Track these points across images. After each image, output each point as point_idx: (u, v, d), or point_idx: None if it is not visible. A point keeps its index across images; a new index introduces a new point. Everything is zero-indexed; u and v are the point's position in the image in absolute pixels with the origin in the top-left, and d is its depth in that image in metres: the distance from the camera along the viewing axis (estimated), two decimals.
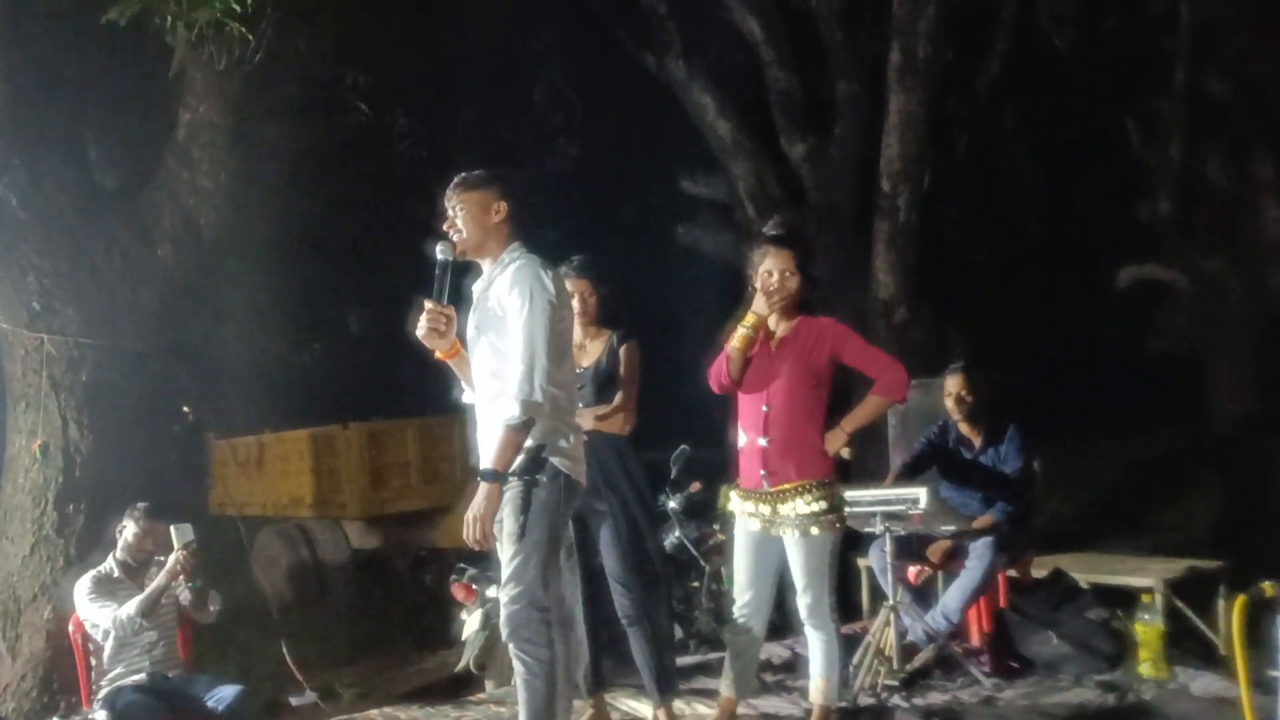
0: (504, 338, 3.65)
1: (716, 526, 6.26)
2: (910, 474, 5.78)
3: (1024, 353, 9.69)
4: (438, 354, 3.80)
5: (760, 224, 9.88)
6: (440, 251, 3.70)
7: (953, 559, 5.69)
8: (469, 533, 3.53)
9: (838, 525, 4.24)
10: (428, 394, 5.95)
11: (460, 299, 3.80)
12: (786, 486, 4.21)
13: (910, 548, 5.66)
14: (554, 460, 3.63)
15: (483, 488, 3.52)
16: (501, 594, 3.67)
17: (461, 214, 3.75)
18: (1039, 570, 5.86)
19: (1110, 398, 10.09)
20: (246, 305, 10.15)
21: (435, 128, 10.67)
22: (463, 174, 3.85)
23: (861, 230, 9.38)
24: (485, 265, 3.80)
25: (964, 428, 5.85)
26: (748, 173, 9.97)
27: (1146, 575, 5.71)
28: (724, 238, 10.62)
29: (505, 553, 3.60)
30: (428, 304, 3.69)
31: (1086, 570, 5.88)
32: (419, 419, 9.47)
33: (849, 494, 4.65)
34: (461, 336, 3.81)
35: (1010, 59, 10.52)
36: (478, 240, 3.76)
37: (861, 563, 6.36)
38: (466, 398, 3.93)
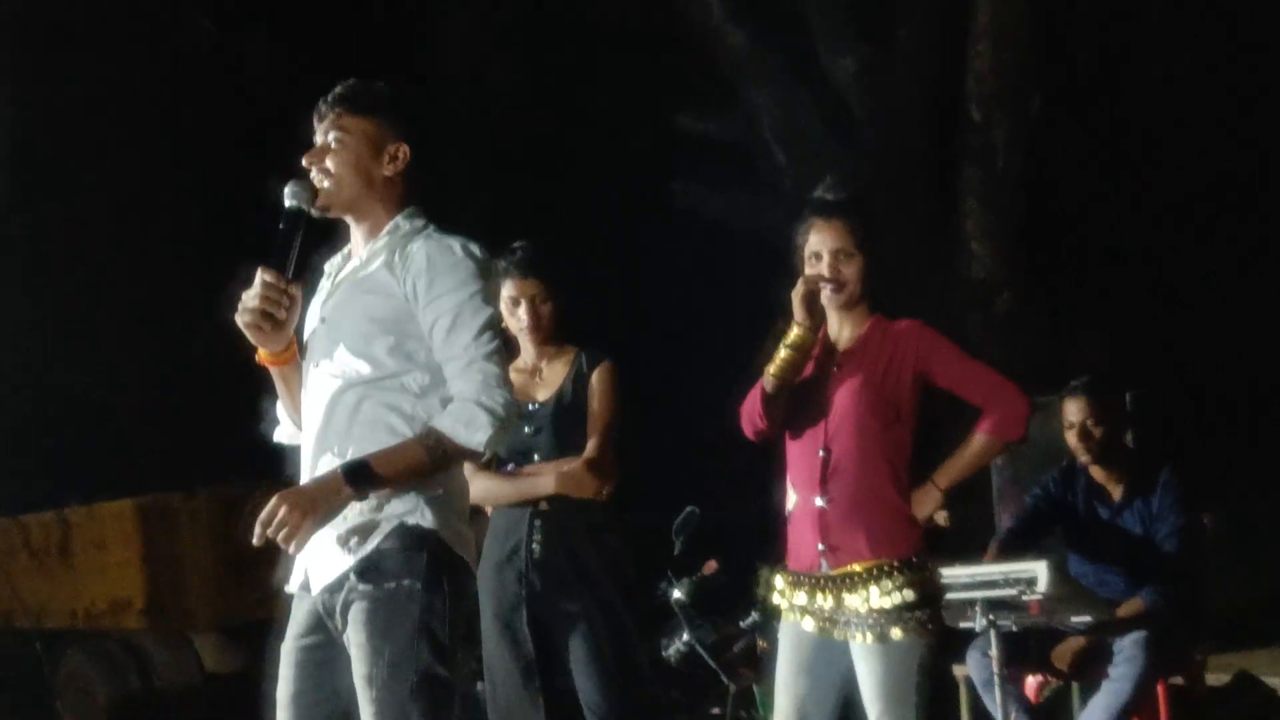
0: (391, 341, 3.50)
1: (747, 624, 6.28)
2: (1022, 543, 5.83)
3: (1189, 362, 9.73)
4: (262, 355, 3.62)
5: (795, 176, 10.05)
6: (291, 196, 3.53)
7: (1090, 664, 5.77)
8: (270, 524, 3.30)
9: (930, 626, 4.26)
10: None
11: (307, 278, 3.67)
12: (856, 568, 4.24)
13: (1027, 650, 5.74)
14: (454, 550, 3.52)
15: (332, 478, 3.36)
16: None
17: (337, 148, 3.56)
18: (1216, 676, 5.96)
19: None
20: (23, 319, 10.14)
21: (314, 55, 10.68)
22: (350, 82, 3.66)
23: (943, 181, 9.53)
24: (358, 235, 3.66)
25: (1097, 473, 5.96)
26: (773, 101, 10.09)
27: None
28: (743, 199, 10.67)
29: (365, 705, 3.43)
30: (264, 273, 3.50)
31: None
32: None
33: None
34: (299, 336, 3.68)
35: None
36: (354, 193, 3.58)
37: (958, 671, 6.39)
38: (283, 436, 3.82)
